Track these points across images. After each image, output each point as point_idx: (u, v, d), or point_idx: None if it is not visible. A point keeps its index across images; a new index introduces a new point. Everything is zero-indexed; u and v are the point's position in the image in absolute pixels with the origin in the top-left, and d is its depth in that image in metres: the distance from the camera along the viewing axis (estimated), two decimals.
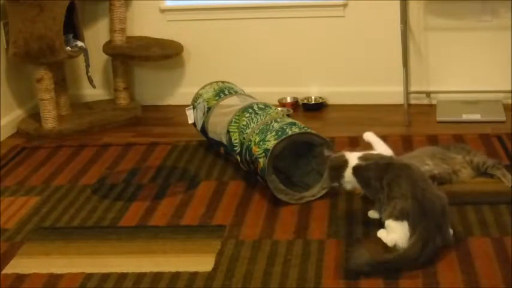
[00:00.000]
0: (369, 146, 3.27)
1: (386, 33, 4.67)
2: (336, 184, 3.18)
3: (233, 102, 3.92)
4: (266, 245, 3.07)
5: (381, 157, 3.11)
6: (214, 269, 2.91)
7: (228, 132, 3.76)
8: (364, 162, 3.09)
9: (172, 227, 3.30)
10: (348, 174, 3.10)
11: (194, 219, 3.36)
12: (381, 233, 3.03)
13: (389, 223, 2.96)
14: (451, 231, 3.00)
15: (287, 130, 3.46)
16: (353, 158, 3.12)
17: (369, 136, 3.31)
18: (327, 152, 3.29)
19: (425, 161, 3.48)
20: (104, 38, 4.91)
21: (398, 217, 2.92)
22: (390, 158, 3.12)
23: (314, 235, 3.13)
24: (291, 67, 4.88)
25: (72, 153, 4.24)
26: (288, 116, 3.94)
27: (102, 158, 4.15)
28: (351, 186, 3.15)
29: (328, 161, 3.20)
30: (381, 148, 3.22)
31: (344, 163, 3.11)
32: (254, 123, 3.64)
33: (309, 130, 3.52)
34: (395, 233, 2.93)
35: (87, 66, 4.64)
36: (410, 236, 2.89)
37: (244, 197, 3.54)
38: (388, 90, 4.75)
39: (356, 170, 3.09)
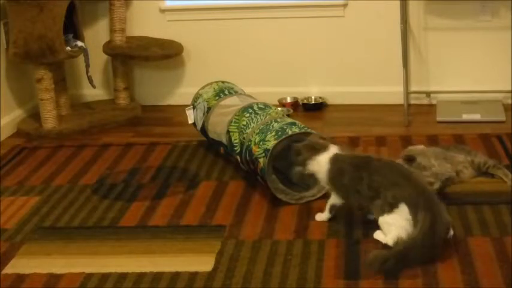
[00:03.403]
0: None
1: (387, 33, 4.67)
2: (299, 168, 3.20)
3: (233, 102, 3.92)
4: (266, 245, 3.07)
5: (355, 156, 3.14)
6: (214, 269, 2.91)
7: (228, 132, 3.76)
8: (340, 157, 3.11)
9: (172, 227, 3.30)
10: (322, 159, 3.11)
11: (194, 219, 3.36)
12: (378, 235, 3.01)
13: (384, 219, 2.93)
14: (451, 231, 3.00)
15: (287, 130, 3.46)
16: (333, 149, 3.14)
17: None
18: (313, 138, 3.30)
19: (430, 161, 3.48)
20: (104, 38, 4.91)
21: (393, 205, 2.89)
22: (366, 156, 3.14)
23: (314, 235, 3.13)
24: (291, 67, 4.88)
25: (72, 153, 4.24)
26: (288, 116, 3.94)
27: (102, 158, 4.15)
28: (311, 172, 3.16)
29: (308, 140, 3.23)
30: None
31: (323, 148, 3.13)
32: (254, 123, 3.64)
33: (309, 130, 3.52)
34: (393, 227, 2.91)
35: (87, 66, 4.64)
36: (414, 221, 2.85)
37: (244, 197, 3.54)
38: (388, 90, 4.75)
39: (334, 158, 3.10)
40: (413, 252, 2.79)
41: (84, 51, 4.62)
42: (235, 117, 3.77)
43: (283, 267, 2.89)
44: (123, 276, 2.89)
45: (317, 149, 3.15)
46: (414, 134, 4.23)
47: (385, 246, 2.95)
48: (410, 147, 3.67)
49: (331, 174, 3.11)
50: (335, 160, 3.11)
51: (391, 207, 2.90)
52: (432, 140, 4.08)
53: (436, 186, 3.32)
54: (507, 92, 4.61)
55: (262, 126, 3.56)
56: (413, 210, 2.86)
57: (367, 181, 2.98)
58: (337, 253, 2.97)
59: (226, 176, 3.81)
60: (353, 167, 3.06)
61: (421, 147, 3.65)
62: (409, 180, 2.93)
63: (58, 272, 2.95)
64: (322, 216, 3.23)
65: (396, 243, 2.89)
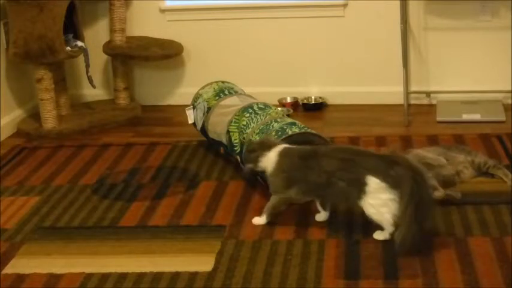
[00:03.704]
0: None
1: (387, 33, 4.67)
2: (250, 165, 3.22)
3: (233, 102, 3.92)
4: (266, 245, 3.07)
5: (303, 148, 3.16)
6: (214, 269, 2.91)
7: (228, 132, 3.76)
8: (289, 150, 3.15)
9: (172, 227, 3.30)
10: (271, 154, 3.13)
11: (194, 219, 3.36)
12: (378, 235, 3.02)
13: (366, 201, 2.93)
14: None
15: (287, 130, 3.46)
16: (284, 145, 3.19)
17: None
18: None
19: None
20: (104, 38, 4.92)
21: (359, 181, 2.89)
22: (314, 146, 3.19)
23: (314, 235, 3.13)
24: (291, 67, 4.88)
25: (72, 153, 4.24)
26: (288, 116, 3.94)
27: (102, 158, 4.15)
28: (262, 169, 3.19)
29: (262, 138, 3.28)
30: None
31: (274, 145, 3.17)
32: (254, 123, 3.64)
33: (309, 130, 3.52)
34: (380, 209, 2.91)
35: (87, 66, 4.64)
36: (391, 182, 2.85)
37: (244, 197, 3.54)
38: (388, 90, 4.75)
39: (283, 152, 3.13)
40: (420, 204, 2.78)
41: (84, 51, 4.62)
42: (235, 117, 3.77)
43: (283, 267, 2.89)
44: (123, 276, 2.89)
45: (268, 145, 3.18)
46: (414, 134, 4.23)
47: (387, 241, 2.96)
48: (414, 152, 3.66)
49: (278, 165, 3.12)
50: (284, 153, 3.14)
51: (360, 185, 2.91)
52: (432, 140, 4.08)
53: (439, 193, 3.30)
54: (507, 92, 4.61)
55: (262, 126, 3.56)
56: (383, 173, 2.87)
57: (318, 168, 3.00)
58: (337, 253, 2.97)
59: (226, 176, 3.81)
60: (301, 158, 3.09)
61: (423, 151, 3.64)
62: (362, 154, 2.96)
63: (58, 272, 2.95)
64: (321, 216, 3.23)
65: (395, 223, 2.89)
